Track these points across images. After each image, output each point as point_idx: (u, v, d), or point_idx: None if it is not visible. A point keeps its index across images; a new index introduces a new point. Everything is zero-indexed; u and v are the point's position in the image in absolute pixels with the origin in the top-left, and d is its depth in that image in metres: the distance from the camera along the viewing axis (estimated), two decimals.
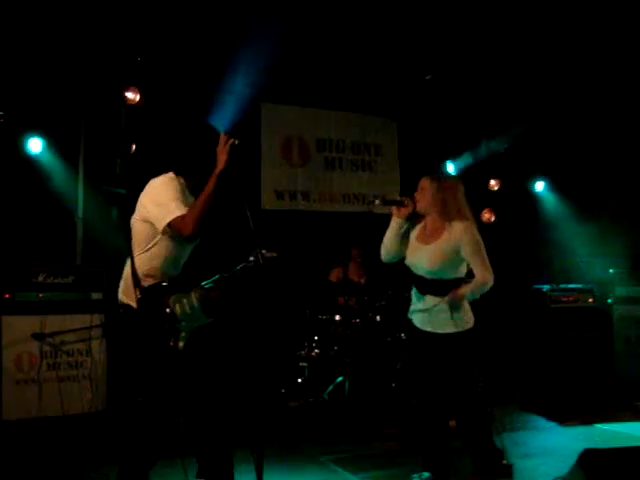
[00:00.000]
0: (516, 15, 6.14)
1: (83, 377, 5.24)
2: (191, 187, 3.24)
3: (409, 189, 7.44)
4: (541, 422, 5.58)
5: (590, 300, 6.97)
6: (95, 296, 5.38)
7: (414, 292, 3.98)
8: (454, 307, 3.77)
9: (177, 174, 3.24)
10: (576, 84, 6.85)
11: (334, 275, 6.24)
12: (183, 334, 3.05)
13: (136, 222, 3.19)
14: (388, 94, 7.53)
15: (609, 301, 6.99)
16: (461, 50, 6.73)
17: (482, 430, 3.88)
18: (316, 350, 5.86)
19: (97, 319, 5.29)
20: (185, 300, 3.09)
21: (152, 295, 3.08)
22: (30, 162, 5.88)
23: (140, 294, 3.06)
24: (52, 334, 5.13)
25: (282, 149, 7.17)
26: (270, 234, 4.67)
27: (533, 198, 8.08)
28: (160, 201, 3.08)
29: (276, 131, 7.14)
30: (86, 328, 5.26)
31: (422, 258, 3.84)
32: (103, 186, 6.09)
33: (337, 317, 5.88)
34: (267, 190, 7.05)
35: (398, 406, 5.43)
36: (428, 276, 3.83)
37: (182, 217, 3.01)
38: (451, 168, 7.69)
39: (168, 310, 3.01)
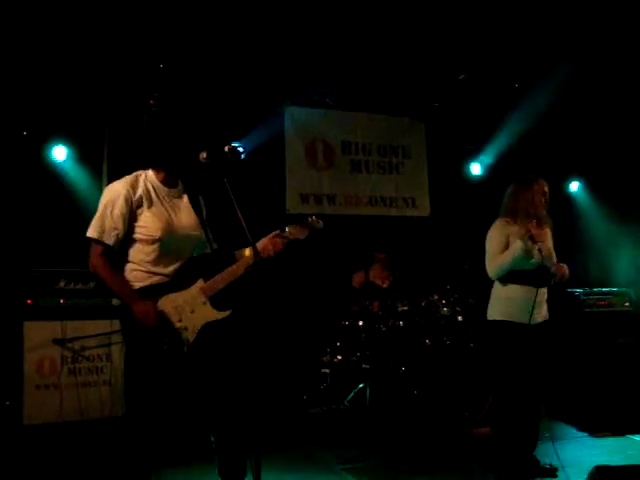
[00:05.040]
0: (548, 14, 5.97)
1: (103, 382, 5.28)
2: (163, 179, 3.16)
3: (436, 190, 7.43)
4: (571, 432, 5.36)
5: (626, 304, 6.70)
6: (115, 302, 5.37)
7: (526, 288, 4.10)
8: None
9: (153, 167, 3.17)
10: (608, 81, 6.62)
11: (357, 279, 6.13)
12: (184, 335, 2.97)
13: None
14: (415, 95, 7.42)
15: None
16: (489, 49, 6.58)
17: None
18: (338, 356, 5.78)
19: (117, 325, 5.30)
20: (182, 297, 3.02)
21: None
22: (54, 170, 5.98)
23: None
24: (72, 339, 5.19)
25: (306, 152, 7.10)
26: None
27: (567, 198, 7.84)
28: (97, 210, 3.08)
29: (300, 134, 7.07)
30: (106, 334, 5.30)
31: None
32: None
33: (360, 323, 5.78)
34: (292, 194, 7.00)
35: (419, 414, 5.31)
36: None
37: (94, 244, 3.01)
38: (477, 168, 7.52)
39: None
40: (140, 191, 3.07)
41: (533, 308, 4.05)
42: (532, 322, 4.09)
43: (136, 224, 3.04)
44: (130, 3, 5.36)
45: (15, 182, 5.75)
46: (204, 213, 3.31)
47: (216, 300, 3.09)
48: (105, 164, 6.18)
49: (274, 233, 3.25)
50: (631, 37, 6.09)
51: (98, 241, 3.00)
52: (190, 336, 3.00)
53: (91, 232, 3.02)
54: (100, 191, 6.03)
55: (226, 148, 3.09)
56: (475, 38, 6.46)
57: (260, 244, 3.15)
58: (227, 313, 3.11)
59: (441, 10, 6.14)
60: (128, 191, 3.04)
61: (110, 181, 6.00)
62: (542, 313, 4.20)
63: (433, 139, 7.62)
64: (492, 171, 7.58)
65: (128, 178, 3.12)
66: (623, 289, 6.79)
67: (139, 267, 3.06)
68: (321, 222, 3.43)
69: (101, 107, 6.15)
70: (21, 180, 5.78)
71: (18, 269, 5.29)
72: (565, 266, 4.19)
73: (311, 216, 3.43)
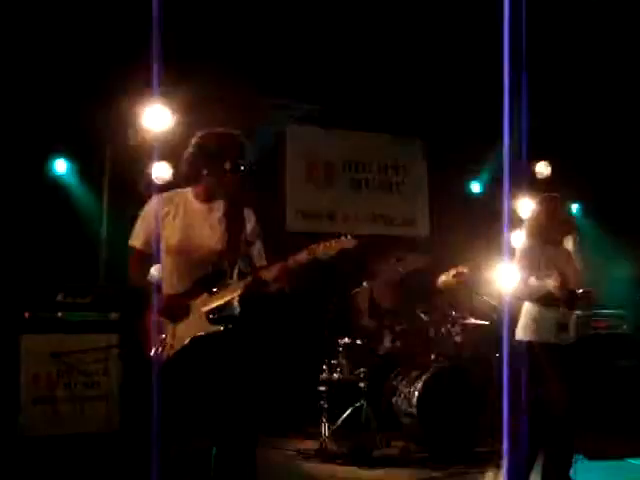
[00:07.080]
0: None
1: (99, 397, 5.26)
2: (197, 194, 3.22)
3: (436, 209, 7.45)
4: None
5: (624, 327, 6.68)
6: (113, 316, 5.41)
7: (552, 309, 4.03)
8: None
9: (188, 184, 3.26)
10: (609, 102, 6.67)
11: (356, 297, 6.12)
12: (168, 341, 3.00)
13: None
14: (416, 114, 7.46)
15: None
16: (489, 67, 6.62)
17: None
18: (335, 374, 5.75)
19: (114, 339, 5.32)
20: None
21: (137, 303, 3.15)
22: (55, 182, 6.00)
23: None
24: (69, 353, 5.17)
25: (307, 170, 7.15)
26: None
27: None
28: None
29: (301, 152, 7.13)
30: (103, 348, 5.29)
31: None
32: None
33: (358, 341, 5.76)
34: (292, 211, 7.04)
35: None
36: None
37: (133, 252, 3.24)
38: (477, 187, 7.54)
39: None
40: (171, 205, 3.19)
41: (559, 328, 4.04)
42: (563, 342, 4.08)
43: (162, 236, 3.16)
44: (138, 20, 5.40)
45: (16, 194, 5.77)
46: (247, 230, 3.25)
47: (213, 315, 3.10)
48: (106, 177, 6.21)
49: (281, 264, 3.09)
50: (632, 58, 6.15)
51: (132, 246, 3.25)
52: (176, 345, 3.03)
53: (130, 239, 3.29)
54: (101, 204, 6.14)
55: (227, 165, 3.11)
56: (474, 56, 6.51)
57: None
58: (219, 328, 3.10)
59: (443, 33, 6.21)
60: (158, 205, 3.18)
61: (110, 195, 6.17)
62: (571, 334, 4.18)
63: (434, 158, 7.64)
64: (492, 190, 7.59)
65: (165, 194, 3.27)
66: (621, 311, 6.78)
67: (166, 276, 3.13)
68: (353, 240, 3.12)
69: (103, 120, 6.18)
70: (22, 192, 5.79)
71: (16, 282, 5.28)
72: (593, 291, 4.13)
73: (345, 234, 3.16)
